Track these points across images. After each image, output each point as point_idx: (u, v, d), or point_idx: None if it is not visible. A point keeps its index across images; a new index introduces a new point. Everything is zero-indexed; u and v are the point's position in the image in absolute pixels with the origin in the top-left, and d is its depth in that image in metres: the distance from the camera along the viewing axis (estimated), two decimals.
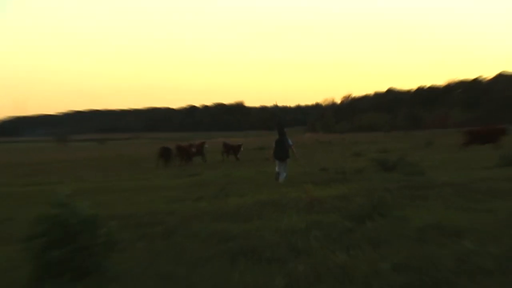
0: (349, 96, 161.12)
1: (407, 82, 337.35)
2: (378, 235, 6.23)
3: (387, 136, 63.13)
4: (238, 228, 7.20)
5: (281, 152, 14.67)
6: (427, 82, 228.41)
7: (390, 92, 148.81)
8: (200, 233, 7.06)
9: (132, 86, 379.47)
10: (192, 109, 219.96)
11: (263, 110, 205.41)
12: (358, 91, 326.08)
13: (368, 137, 60.25)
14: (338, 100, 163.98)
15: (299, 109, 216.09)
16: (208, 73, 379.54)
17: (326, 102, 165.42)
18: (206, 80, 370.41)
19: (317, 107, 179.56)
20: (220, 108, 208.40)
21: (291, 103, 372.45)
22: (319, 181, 13.42)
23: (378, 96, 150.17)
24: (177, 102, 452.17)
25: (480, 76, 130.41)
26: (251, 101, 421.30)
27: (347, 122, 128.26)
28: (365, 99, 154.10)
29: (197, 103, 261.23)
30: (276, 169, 14.85)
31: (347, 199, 9.43)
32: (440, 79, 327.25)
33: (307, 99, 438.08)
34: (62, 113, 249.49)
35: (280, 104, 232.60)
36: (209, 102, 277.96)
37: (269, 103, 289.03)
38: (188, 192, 13.31)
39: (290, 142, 14.81)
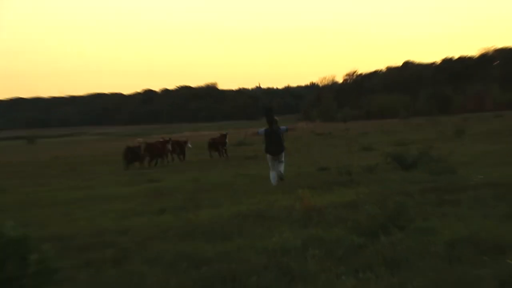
0: (354, 73, 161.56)
1: (430, 53, 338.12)
2: (396, 253, 6.27)
3: (405, 124, 63.49)
4: (213, 249, 7.21)
5: (274, 144, 14.95)
6: (455, 52, 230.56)
7: (408, 66, 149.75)
8: (163, 257, 7.04)
9: (69, 66, 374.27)
10: (148, 95, 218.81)
11: (242, 94, 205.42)
12: (366, 67, 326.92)
13: (380, 126, 60.45)
14: (339, 79, 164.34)
15: (289, 91, 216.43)
16: (170, 48, 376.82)
17: (324, 82, 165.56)
18: (166, 57, 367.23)
19: (312, 89, 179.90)
20: (185, 93, 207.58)
21: (279, 84, 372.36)
22: (317, 184, 13.49)
23: (392, 72, 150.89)
24: (129, 86, 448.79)
25: None
26: (226, 83, 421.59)
27: (353, 107, 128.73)
28: (375, 76, 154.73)
29: (156, 87, 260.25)
30: (270, 169, 15.12)
31: (354, 207, 9.49)
32: (472, 48, 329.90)
33: (299, 79, 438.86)
34: None
35: (264, 85, 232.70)
36: (171, 85, 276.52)
37: (249, 85, 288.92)
38: (146, 203, 13.26)
39: (284, 128, 15.22)
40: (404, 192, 10.68)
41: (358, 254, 6.43)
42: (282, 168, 14.94)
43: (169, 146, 29.29)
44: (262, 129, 15.28)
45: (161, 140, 30.36)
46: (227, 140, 31.84)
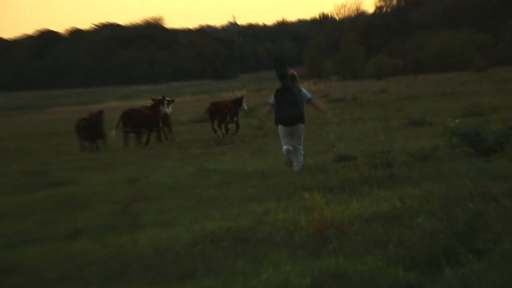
0: None
1: None
2: None
3: (482, 80, 63.58)
4: None
5: (288, 107, 15.76)
6: None
7: None
8: None
9: None
10: (47, 40, 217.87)
11: (205, 35, 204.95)
12: None
13: (439, 84, 60.58)
14: (369, 8, 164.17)
15: (284, 30, 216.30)
16: None
17: (344, 13, 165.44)
18: None
19: (323, 26, 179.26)
20: (111, 36, 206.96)
21: (267, 19, 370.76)
22: (336, 184, 13.59)
23: None
24: (14, 25, 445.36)
25: None
26: (179, 19, 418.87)
27: (392, 54, 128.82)
28: (428, 2, 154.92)
29: (59, 27, 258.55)
30: (284, 147, 15.93)
31: (399, 221, 9.56)
32: None
33: (301, 9, 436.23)
34: None
35: (241, 21, 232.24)
36: (85, 24, 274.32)
37: (217, 20, 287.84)
38: (49, 221, 13.26)
39: (307, 93, 16.39)
40: (482, 194, 10.75)
41: None
42: (299, 155, 15.95)
43: (165, 108, 29.47)
44: (272, 96, 16.17)
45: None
46: (245, 107, 32.17)
